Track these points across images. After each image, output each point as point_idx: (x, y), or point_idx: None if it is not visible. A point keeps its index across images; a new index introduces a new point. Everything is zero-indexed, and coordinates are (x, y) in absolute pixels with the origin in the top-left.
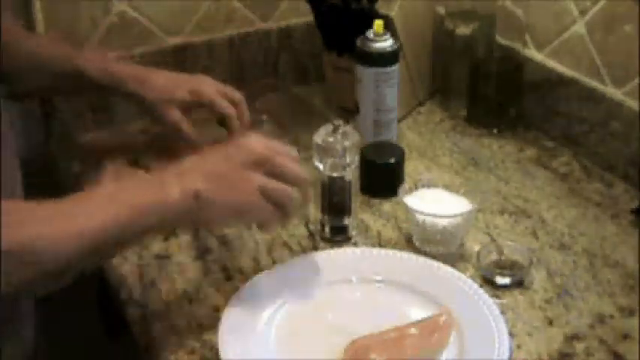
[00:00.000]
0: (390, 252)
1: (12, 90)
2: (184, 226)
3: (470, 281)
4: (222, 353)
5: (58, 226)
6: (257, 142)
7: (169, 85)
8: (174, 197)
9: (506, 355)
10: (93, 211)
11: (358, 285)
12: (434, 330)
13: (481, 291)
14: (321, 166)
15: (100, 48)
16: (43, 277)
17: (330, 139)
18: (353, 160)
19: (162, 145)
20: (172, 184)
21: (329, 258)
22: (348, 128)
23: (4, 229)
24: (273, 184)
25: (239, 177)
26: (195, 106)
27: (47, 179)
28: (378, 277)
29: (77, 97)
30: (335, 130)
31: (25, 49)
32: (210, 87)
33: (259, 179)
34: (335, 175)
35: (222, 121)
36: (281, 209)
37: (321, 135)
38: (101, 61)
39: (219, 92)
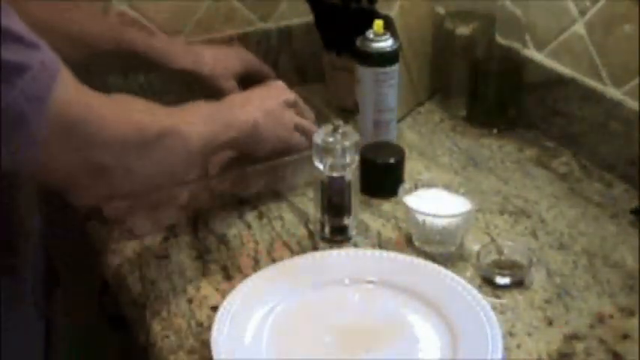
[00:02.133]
0: (385, 254)
1: None
2: (237, 148)
3: (467, 284)
4: (215, 353)
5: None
6: (286, 88)
7: (220, 56)
8: (240, 120)
9: (499, 358)
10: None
11: (353, 286)
12: None
13: (476, 293)
14: (320, 166)
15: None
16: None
17: (330, 139)
18: (353, 160)
19: None
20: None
21: (325, 258)
22: (348, 128)
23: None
24: (305, 122)
25: (281, 114)
26: (243, 75)
27: None
28: (374, 279)
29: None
30: (335, 130)
31: (58, 25)
32: (249, 54)
33: (295, 117)
34: (335, 175)
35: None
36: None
37: (321, 135)
38: (146, 37)
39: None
